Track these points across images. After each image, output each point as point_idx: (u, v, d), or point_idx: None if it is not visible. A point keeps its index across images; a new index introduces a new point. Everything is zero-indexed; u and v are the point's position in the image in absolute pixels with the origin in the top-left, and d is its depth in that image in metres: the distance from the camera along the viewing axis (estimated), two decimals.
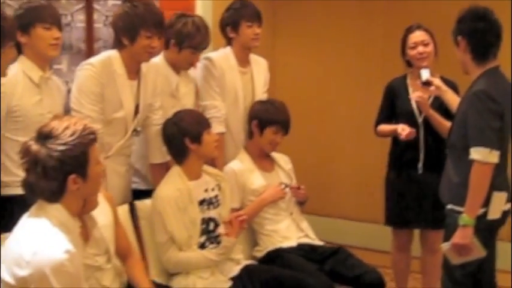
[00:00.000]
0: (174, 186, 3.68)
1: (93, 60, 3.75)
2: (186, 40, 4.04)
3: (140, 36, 3.66)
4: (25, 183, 2.60)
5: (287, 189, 4.18)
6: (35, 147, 2.53)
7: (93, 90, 3.64)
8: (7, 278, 2.46)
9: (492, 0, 4.11)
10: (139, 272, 3.32)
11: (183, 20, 4.08)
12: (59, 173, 2.53)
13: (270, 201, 4.10)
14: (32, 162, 2.54)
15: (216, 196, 3.86)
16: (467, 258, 3.48)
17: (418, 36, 4.39)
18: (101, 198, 2.99)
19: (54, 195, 2.58)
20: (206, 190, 3.82)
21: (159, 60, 4.10)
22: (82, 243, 2.77)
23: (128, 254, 3.33)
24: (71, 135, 2.55)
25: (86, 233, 2.93)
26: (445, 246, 3.52)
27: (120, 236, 3.28)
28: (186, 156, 3.76)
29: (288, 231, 4.13)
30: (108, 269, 3.15)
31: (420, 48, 4.35)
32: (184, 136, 3.71)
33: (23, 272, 2.40)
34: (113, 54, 3.76)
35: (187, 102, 4.18)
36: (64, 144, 2.53)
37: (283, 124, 4.18)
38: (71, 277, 2.44)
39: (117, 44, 3.77)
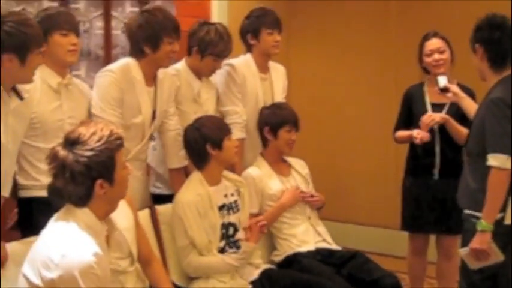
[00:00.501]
0: (195, 191, 3.70)
1: (113, 66, 3.79)
2: (208, 48, 4.08)
3: (163, 43, 3.71)
4: (52, 188, 2.63)
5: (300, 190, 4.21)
6: (62, 152, 2.56)
7: (114, 95, 3.68)
8: (34, 280, 2.48)
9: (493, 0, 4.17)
10: (163, 277, 3.34)
11: (205, 28, 4.12)
12: (86, 178, 2.56)
13: (289, 205, 4.13)
14: (59, 167, 2.56)
15: (235, 201, 3.88)
16: (486, 263, 3.47)
17: (434, 43, 4.41)
18: (121, 201, 2.99)
19: (82, 200, 2.60)
20: (226, 195, 3.84)
21: (181, 66, 4.15)
22: (107, 246, 2.79)
23: (150, 258, 3.34)
24: (98, 140, 2.58)
25: (107, 237, 2.93)
26: (464, 251, 3.52)
27: (141, 239, 3.29)
28: (206, 162, 3.78)
29: (306, 235, 4.15)
30: (131, 272, 3.18)
31: (436, 56, 4.37)
32: (205, 142, 3.73)
33: (51, 275, 2.42)
34: (131, 61, 3.80)
35: (209, 108, 4.21)
36: (91, 149, 2.56)
37: (293, 121, 4.21)
38: (99, 279, 2.46)
39: (137, 53, 3.79)
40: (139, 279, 3.25)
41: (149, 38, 3.73)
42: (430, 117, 4.28)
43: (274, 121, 4.19)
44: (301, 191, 4.23)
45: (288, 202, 4.13)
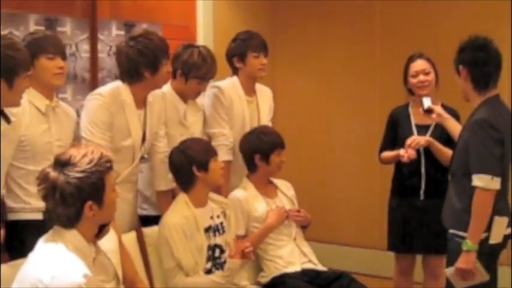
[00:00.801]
0: (181, 213, 3.71)
1: (102, 90, 3.81)
2: (192, 71, 4.11)
3: (162, 65, 3.75)
4: (47, 211, 2.63)
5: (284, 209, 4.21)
6: (53, 174, 2.57)
7: (103, 119, 3.68)
8: None
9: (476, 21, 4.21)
10: None
11: (189, 51, 4.14)
12: (76, 199, 2.57)
13: (275, 226, 4.14)
14: (50, 188, 2.57)
15: (221, 223, 3.89)
16: (471, 283, 3.50)
17: (419, 65, 4.44)
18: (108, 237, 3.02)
19: (71, 221, 2.61)
20: (212, 217, 3.85)
21: (166, 89, 4.15)
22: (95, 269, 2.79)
23: (134, 280, 3.33)
24: (89, 162, 2.59)
25: (93, 259, 2.93)
26: (449, 271, 3.55)
27: (125, 261, 3.28)
28: (192, 184, 3.79)
29: (292, 256, 4.14)
30: None
31: (421, 77, 4.40)
32: (191, 164, 3.75)
33: None
34: (121, 85, 3.81)
35: (195, 130, 4.23)
36: (82, 171, 2.57)
37: (281, 143, 4.23)
38: None
39: (134, 78, 3.77)
40: None
41: (150, 63, 3.74)
42: (415, 141, 4.30)
43: (265, 147, 4.18)
44: (287, 209, 4.23)
45: (274, 222, 4.13)
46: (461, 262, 3.46)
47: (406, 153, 4.29)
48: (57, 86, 3.70)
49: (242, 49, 4.41)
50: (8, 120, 3.09)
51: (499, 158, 3.45)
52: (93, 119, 3.69)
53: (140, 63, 3.74)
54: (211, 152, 3.87)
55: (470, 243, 3.43)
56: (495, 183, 3.42)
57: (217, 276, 3.72)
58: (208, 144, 4.02)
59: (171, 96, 4.16)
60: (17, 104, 3.09)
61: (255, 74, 4.45)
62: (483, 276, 3.49)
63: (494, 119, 3.48)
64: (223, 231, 3.89)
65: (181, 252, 3.63)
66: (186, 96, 4.21)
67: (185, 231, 3.67)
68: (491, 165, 3.43)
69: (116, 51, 3.92)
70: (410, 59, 4.51)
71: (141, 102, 3.86)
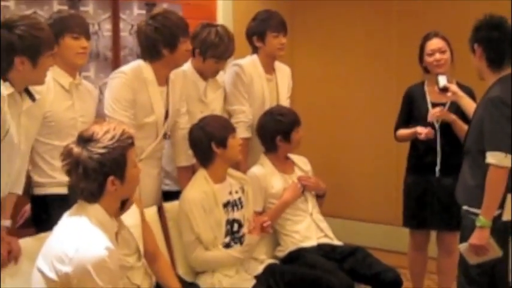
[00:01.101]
0: (200, 189, 3.74)
1: (125, 68, 3.85)
2: (209, 50, 4.14)
3: (180, 43, 3.78)
4: (72, 185, 2.70)
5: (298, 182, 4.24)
6: (76, 150, 2.63)
7: (126, 96, 3.73)
8: (49, 274, 2.55)
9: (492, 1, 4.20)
10: (168, 272, 3.39)
11: (206, 30, 4.17)
12: (98, 174, 2.62)
13: (292, 201, 4.16)
14: (73, 164, 2.63)
15: (239, 198, 3.92)
16: (484, 258, 3.53)
17: (435, 43, 4.44)
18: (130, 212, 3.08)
19: (94, 196, 2.67)
20: (230, 193, 3.88)
21: (187, 67, 4.18)
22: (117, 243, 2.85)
23: (156, 254, 3.38)
24: (111, 139, 2.65)
25: (116, 234, 2.98)
26: (463, 246, 3.57)
27: (147, 236, 3.34)
28: (211, 160, 3.82)
29: (308, 231, 4.18)
30: (138, 268, 3.24)
31: (437, 55, 4.40)
32: (210, 140, 3.77)
33: (65, 268, 2.49)
34: (142, 63, 3.85)
35: (215, 107, 4.27)
36: (104, 147, 2.62)
37: (298, 120, 4.25)
38: (111, 273, 2.53)
39: (153, 56, 3.81)
40: (146, 275, 3.32)
41: (167, 40, 3.77)
42: (442, 113, 4.33)
43: (285, 128, 4.20)
44: (300, 176, 4.27)
45: (289, 198, 4.16)
46: (475, 238, 3.48)
47: (423, 131, 4.32)
48: (80, 66, 3.75)
49: (261, 28, 4.43)
50: (32, 98, 3.14)
51: None
52: (116, 96, 3.73)
53: (158, 41, 3.77)
54: (230, 129, 3.89)
55: (483, 220, 3.45)
56: (509, 160, 3.42)
57: (236, 251, 3.76)
58: (227, 121, 4.04)
59: (191, 74, 4.19)
60: (41, 82, 3.14)
61: (274, 54, 4.47)
62: (496, 252, 3.51)
63: (509, 97, 3.48)
64: (242, 207, 3.92)
65: (200, 227, 3.67)
66: (205, 75, 4.24)
67: (204, 206, 3.70)
68: (505, 143, 3.42)
69: (137, 30, 3.96)
70: (426, 38, 4.51)
71: (163, 80, 3.89)
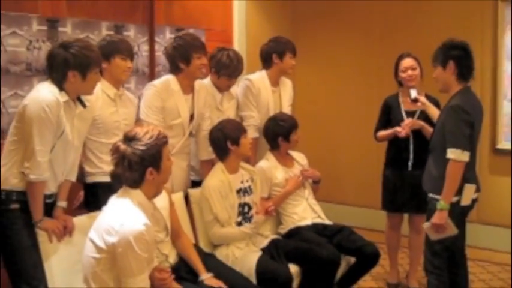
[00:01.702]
0: (218, 178, 3.78)
1: (155, 82, 3.91)
2: (222, 69, 4.17)
3: (193, 58, 3.83)
4: (114, 174, 2.75)
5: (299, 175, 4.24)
6: (122, 146, 2.69)
7: (156, 104, 3.78)
8: (99, 243, 2.61)
9: None
10: (190, 248, 3.43)
11: (220, 53, 4.20)
12: (140, 166, 2.68)
13: (293, 191, 4.19)
14: (120, 158, 2.69)
15: (249, 186, 3.94)
16: (443, 235, 3.55)
17: (407, 62, 4.47)
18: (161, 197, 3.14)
19: (136, 183, 2.72)
20: (242, 181, 3.91)
21: (207, 82, 4.22)
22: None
23: (179, 232, 3.43)
24: (150, 138, 2.71)
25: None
26: (426, 225, 3.59)
27: (173, 217, 3.40)
28: (227, 155, 3.85)
29: (304, 213, 4.21)
30: (167, 242, 3.31)
31: (410, 72, 4.43)
32: (226, 139, 3.80)
33: (112, 239, 2.55)
34: (170, 77, 3.90)
35: (230, 114, 4.29)
36: (145, 144, 2.68)
37: (296, 124, 4.25)
38: (147, 244, 2.58)
39: (175, 69, 3.89)
40: (173, 247, 3.38)
41: (182, 56, 3.84)
42: (413, 123, 4.36)
43: (285, 130, 4.20)
44: (301, 170, 4.28)
45: (291, 189, 4.19)
46: (436, 218, 3.51)
47: (403, 130, 4.34)
48: (124, 81, 3.80)
49: (282, 49, 4.45)
50: (83, 105, 3.20)
51: (468, 137, 3.47)
52: (149, 104, 3.79)
53: (176, 57, 3.86)
54: (242, 130, 3.90)
55: (443, 203, 3.47)
56: (465, 156, 3.45)
57: (246, 228, 3.78)
58: (240, 124, 4.03)
59: (210, 87, 4.22)
60: (89, 93, 3.19)
61: (287, 71, 4.51)
62: (453, 230, 3.54)
63: (467, 105, 3.50)
64: (251, 193, 3.94)
65: (217, 208, 3.70)
66: (220, 89, 4.28)
67: (221, 192, 3.73)
68: (462, 142, 3.45)
69: (164, 50, 4.02)
70: (400, 57, 4.53)
71: (188, 89, 3.93)
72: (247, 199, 3.91)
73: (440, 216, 3.51)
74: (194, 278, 3.30)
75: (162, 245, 3.29)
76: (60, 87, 3.05)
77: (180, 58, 3.86)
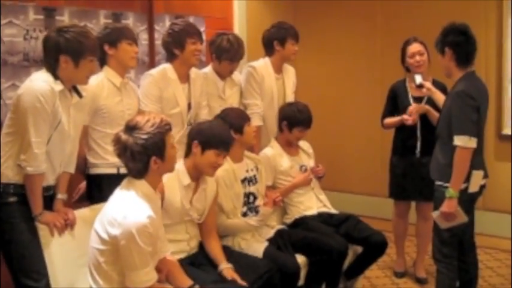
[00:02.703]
0: (222, 167, 3.63)
1: (152, 71, 3.90)
2: (223, 54, 4.15)
3: (187, 43, 3.82)
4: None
5: (310, 173, 4.24)
6: (124, 136, 2.66)
7: (153, 93, 3.78)
8: (102, 234, 2.61)
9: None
10: (217, 246, 3.45)
11: (220, 38, 4.19)
12: (143, 156, 2.65)
13: (300, 185, 4.19)
14: (122, 148, 2.66)
15: (254, 175, 3.91)
16: (453, 223, 3.55)
17: (415, 47, 4.44)
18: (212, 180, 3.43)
19: (140, 173, 2.70)
20: (247, 170, 3.87)
21: (208, 70, 4.23)
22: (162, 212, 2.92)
23: (211, 232, 3.48)
24: (151, 126, 2.67)
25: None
26: (435, 213, 3.58)
27: (211, 214, 3.47)
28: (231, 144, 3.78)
29: (310, 202, 4.21)
30: (196, 224, 3.42)
31: (417, 57, 4.41)
32: (229, 128, 3.71)
33: (115, 231, 2.55)
34: (167, 65, 3.90)
35: (232, 102, 4.27)
36: (147, 133, 2.65)
37: (307, 124, 4.23)
38: (151, 236, 2.57)
39: (170, 56, 3.89)
40: (198, 235, 3.47)
41: (176, 41, 3.84)
42: (419, 108, 4.35)
43: (292, 120, 4.20)
44: (306, 168, 4.27)
45: (299, 183, 4.19)
46: (445, 207, 3.50)
47: (410, 118, 4.34)
48: (132, 67, 3.81)
49: (283, 35, 4.41)
50: (80, 95, 3.17)
51: (475, 122, 3.46)
52: (146, 93, 3.79)
53: (170, 43, 3.86)
54: (245, 118, 3.88)
55: (452, 191, 3.46)
56: (472, 142, 3.44)
57: (252, 220, 3.75)
58: (243, 112, 4.01)
59: (211, 75, 4.22)
60: (82, 82, 3.13)
61: (289, 57, 4.47)
62: (463, 218, 3.53)
63: (472, 90, 3.48)
64: (256, 182, 3.91)
65: (222, 198, 3.65)
66: (222, 75, 4.27)
67: (226, 181, 3.69)
68: (469, 128, 3.44)
69: (161, 39, 4.02)
70: (407, 43, 4.51)
71: (184, 78, 3.93)
72: (252, 188, 3.89)
73: (450, 205, 3.50)
74: (210, 268, 3.33)
75: (191, 225, 3.39)
76: (55, 76, 3.02)
77: (174, 44, 3.86)
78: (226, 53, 4.16)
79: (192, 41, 3.84)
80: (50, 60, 3.02)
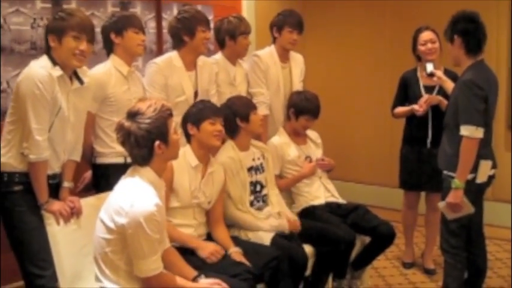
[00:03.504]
0: (228, 155, 3.74)
1: (157, 59, 3.91)
2: (236, 30, 4.17)
3: (198, 31, 3.82)
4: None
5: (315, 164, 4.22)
6: (127, 123, 2.66)
7: (158, 81, 3.79)
8: (109, 223, 2.62)
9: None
10: (225, 232, 3.50)
11: (224, 21, 4.22)
12: (147, 140, 2.65)
13: (307, 176, 4.17)
14: (126, 135, 2.66)
15: (261, 164, 3.90)
16: (459, 214, 3.56)
17: (427, 35, 4.45)
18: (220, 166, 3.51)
19: (145, 160, 2.70)
20: (253, 159, 3.86)
21: (218, 57, 4.23)
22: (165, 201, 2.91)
23: (218, 221, 3.51)
24: (153, 111, 2.67)
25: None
26: (442, 204, 3.60)
27: (219, 203, 3.50)
28: (237, 132, 3.80)
29: (318, 191, 4.20)
30: (204, 211, 3.47)
31: (429, 45, 4.41)
32: (235, 116, 3.76)
33: (122, 220, 2.55)
34: (173, 53, 3.90)
35: (242, 89, 4.30)
36: (149, 118, 2.65)
37: (314, 113, 4.22)
38: (158, 224, 2.59)
39: (178, 43, 3.89)
40: (205, 223, 3.51)
41: (186, 28, 3.83)
42: (430, 99, 4.35)
43: (299, 108, 4.20)
44: (310, 158, 4.26)
45: (306, 173, 4.17)
46: (451, 197, 3.52)
47: (421, 108, 4.34)
48: (139, 55, 3.82)
49: (281, 23, 4.40)
50: (81, 82, 3.19)
51: (482, 112, 3.46)
52: (151, 82, 3.80)
53: (180, 29, 3.85)
54: (251, 107, 3.87)
55: (458, 182, 3.48)
56: (479, 132, 3.44)
57: (265, 224, 3.70)
58: (249, 100, 4.00)
59: (223, 62, 4.22)
60: (69, 61, 3.07)
61: (285, 46, 4.43)
62: (469, 209, 3.54)
63: (480, 79, 3.49)
64: (263, 170, 3.91)
65: (229, 186, 3.66)
66: (236, 57, 4.29)
67: (232, 169, 3.70)
68: (476, 118, 3.44)
69: (168, 25, 4.02)
70: (419, 30, 4.51)
71: (190, 65, 3.92)
72: (259, 177, 3.89)
73: (455, 195, 3.51)
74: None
75: (199, 211, 3.43)
76: (53, 61, 3.05)
77: (184, 30, 3.85)
78: (239, 28, 4.18)
79: (202, 28, 3.84)
80: (45, 43, 3.07)
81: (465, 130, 3.46)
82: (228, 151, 3.79)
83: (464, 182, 3.49)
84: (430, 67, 4.30)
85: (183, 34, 3.85)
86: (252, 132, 3.89)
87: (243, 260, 3.29)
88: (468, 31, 3.55)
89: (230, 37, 4.20)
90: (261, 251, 3.45)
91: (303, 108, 4.20)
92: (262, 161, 3.96)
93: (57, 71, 3.03)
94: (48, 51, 3.09)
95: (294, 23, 4.40)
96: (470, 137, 3.45)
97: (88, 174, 3.80)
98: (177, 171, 3.34)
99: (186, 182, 3.37)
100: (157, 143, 2.68)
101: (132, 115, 2.69)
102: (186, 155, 3.40)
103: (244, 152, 3.86)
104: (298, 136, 4.32)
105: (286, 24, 4.39)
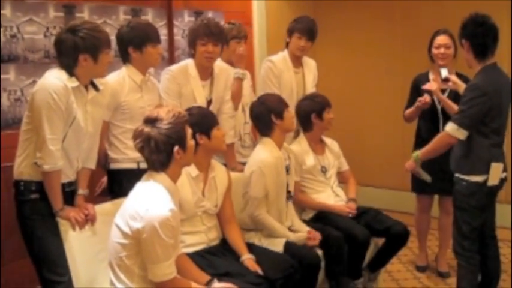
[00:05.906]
0: (273, 154, 3.74)
1: (173, 67, 3.99)
2: (228, 35, 4.25)
3: (197, 45, 3.88)
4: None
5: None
6: (147, 129, 2.72)
7: (172, 89, 3.87)
8: (124, 228, 2.67)
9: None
10: (238, 233, 3.52)
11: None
12: (167, 145, 2.72)
13: (331, 210, 4.13)
14: (146, 140, 2.72)
15: (288, 164, 3.92)
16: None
17: (442, 39, 4.48)
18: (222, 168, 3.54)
19: (163, 165, 2.76)
20: (285, 159, 3.88)
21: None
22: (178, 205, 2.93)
23: (230, 219, 3.54)
24: (173, 116, 2.74)
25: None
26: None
27: (228, 202, 3.54)
28: (272, 130, 3.79)
29: (328, 199, 4.21)
30: (212, 216, 3.50)
31: (442, 50, 4.45)
32: (270, 113, 3.77)
33: (137, 225, 2.60)
34: (189, 61, 3.98)
35: (245, 92, 4.37)
36: (169, 123, 2.72)
37: (329, 103, 4.23)
38: (173, 229, 2.63)
39: (191, 54, 4.00)
40: (217, 226, 3.54)
41: (189, 43, 3.95)
42: (434, 88, 4.37)
43: (319, 107, 4.18)
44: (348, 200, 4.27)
45: (335, 209, 4.13)
46: (408, 164, 3.97)
47: (424, 98, 4.40)
48: (155, 66, 3.87)
49: (291, 28, 4.47)
50: (96, 89, 3.25)
51: (475, 116, 3.50)
52: (165, 89, 3.88)
53: (188, 42, 3.97)
54: (284, 104, 3.87)
55: (417, 154, 3.88)
56: (460, 133, 3.53)
57: (293, 235, 3.71)
58: (281, 98, 3.96)
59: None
60: (101, 75, 3.24)
61: (293, 52, 4.51)
62: (426, 177, 4.02)
63: (485, 85, 3.51)
64: (289, 172, 3.92)
65: (269, 186, 3.69)
66: (233, 61, 4.24)
67: (277, 169, 3.73)
68: (464, 120, 3.51)
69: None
70: (437, 33, 4.54)
71: (205, 74, 3.98)
72: (288, 178, 3.91)
73: (409, 164, 3.98)
74: (232, 259, 3.37)
75: (207, 216, 3.44)
76: (71, 73, 3.10)
77: (189, 44, 3.98)
78: (230, 33, 4.29)
79: (202, 42, 3.86)
80: (68, 60, 3.10)
81: (448, 126, 3.58)
82: (272, 150, 3.79)
83: (423, 158, 3.85)
84: (444, 72, 4.30)
85: (189, 47, 3.96)
86: (286, 129, 3.89)
87: (256, 267, 3.30)
88: (475, 35, 3.57)
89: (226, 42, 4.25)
90: (275, 259, 3.45)
91: (322, 106, 4.21)
92: (289, 162, 3.96)
93: (73, 82, 3.09)
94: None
95: (303, 29, 4.45)
96: (450, 134, 3.57)
97: (105, 178, 3.87)
98: (179, 184, 3.25)
99: (188, 194, 3.38)
100: (176, 148, 2.75)
101: (152, 121, 2.75)
102: (186, 167, 3.36)
103: (281, 151, 3.87)
104: (317, 145, 4.33)
105: (295, 30, 4.46)
